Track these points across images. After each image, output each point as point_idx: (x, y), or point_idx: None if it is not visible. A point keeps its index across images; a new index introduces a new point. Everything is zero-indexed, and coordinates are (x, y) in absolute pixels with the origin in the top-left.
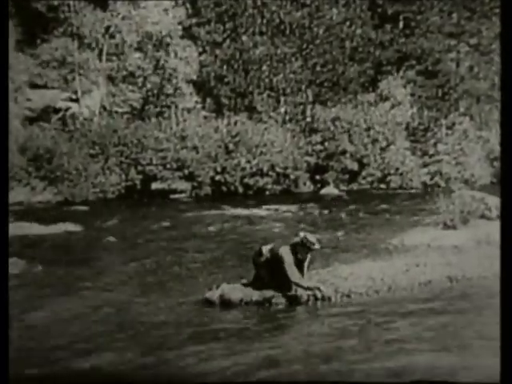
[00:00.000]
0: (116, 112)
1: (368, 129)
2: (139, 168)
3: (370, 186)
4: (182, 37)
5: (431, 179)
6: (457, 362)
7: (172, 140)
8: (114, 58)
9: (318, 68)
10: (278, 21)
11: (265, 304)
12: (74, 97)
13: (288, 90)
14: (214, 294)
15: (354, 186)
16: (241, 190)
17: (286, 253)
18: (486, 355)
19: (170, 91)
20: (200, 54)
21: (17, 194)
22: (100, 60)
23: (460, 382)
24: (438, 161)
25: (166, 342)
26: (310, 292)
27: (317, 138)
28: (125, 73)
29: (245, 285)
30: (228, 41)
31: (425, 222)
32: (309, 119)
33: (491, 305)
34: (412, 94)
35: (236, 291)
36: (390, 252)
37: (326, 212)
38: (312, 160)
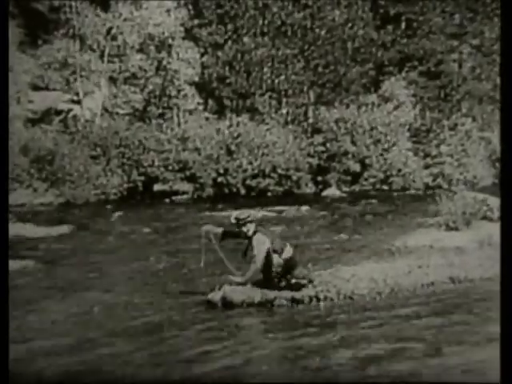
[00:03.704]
0: (118, 113)
1: (370, 130)
2: (141, 169)
3: (372, 188)
4: (183, 38)
5: (433, 180)
6: (457, 362)
7: (174, 141)
8: (116, 59)
9: (320, 69)
10: (279, 22)
11: (267, 305)
12: (75, 98)
13: (290, 92)
14: (216, 296)
15: (356, 188)
16: (243, 191)
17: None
18: (487, 356)
19: (172, 93)
20: (202, 55)
21: (19, 196)
22: (102, 61)
23: (460, 382)
24: (441, 162)
25: (168, 343)
26: None
27: (319, 139)
28: (126, 74)
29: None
30: (230, 42)
31: (427, 224)
32: (311, 120)
33: (493, 306)
34: (414, 95)
35: (238, 293)
36: (393, 253)
37: (327, 213)
38: (314, 161)
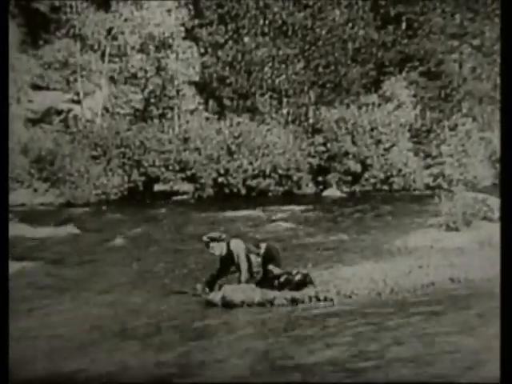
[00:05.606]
0: (118, 113)
1: (371, 130)
2: (141, 170)
3: (373, 188)
4: (184, 38)
5: (434, 181)
6: (458, 362)
7: (174, 141)
8: (116, 59)
9: (321, 69)
10: (280, 22)
11: (266, 305)
12: (76, 98)
13: (290, 92)
14: (216, 296)
15: (357, 188)
16: (243, 191)
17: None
18: (487, 356)
19: (172, 93)
20: (202, 55)
21: (19, 196)
22: (102, 61)
23: (460, 383)
24: (441, 162)
25: (168, 343)
26: None
27: (319, 139)
28: (127, 74)
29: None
30: (230, 42)
31: (427, 224)
32: (311, 120)
33: (493, 306)
34: (415, 95)
35: (238, 292)
36: (393, 254)
37: (328, 214)
38: (314, 161)
